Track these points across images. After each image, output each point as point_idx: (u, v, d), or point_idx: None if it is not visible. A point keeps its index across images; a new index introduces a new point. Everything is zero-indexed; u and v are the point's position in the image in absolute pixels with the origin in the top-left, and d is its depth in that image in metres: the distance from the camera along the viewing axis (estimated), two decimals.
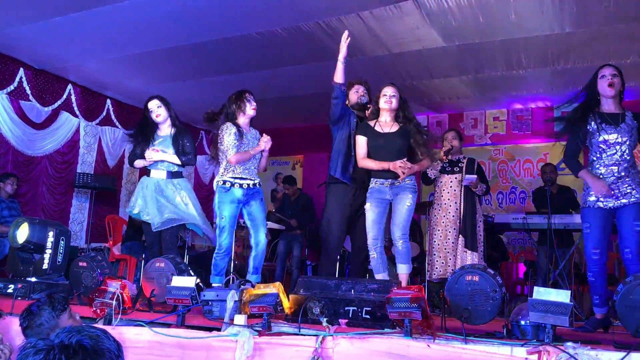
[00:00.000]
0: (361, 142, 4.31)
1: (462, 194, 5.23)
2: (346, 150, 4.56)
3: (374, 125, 4.29)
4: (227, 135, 4.30)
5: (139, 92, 7.95)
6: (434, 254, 5.18)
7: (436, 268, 5.13)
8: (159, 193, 4.65)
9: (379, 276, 4.18)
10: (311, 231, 8.02)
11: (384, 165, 4.16)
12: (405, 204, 4.11)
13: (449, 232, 5.18)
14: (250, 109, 4.45)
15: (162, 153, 4.68)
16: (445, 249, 5.16)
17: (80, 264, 4.21)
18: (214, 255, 4.39)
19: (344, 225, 4.59)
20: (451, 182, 5.29)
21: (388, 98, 4.24)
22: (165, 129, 4.77)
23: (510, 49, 6.20)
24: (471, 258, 5.06)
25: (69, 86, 7.66)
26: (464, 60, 6.60)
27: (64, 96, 7.59)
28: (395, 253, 4.19)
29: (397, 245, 4.15)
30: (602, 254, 3.61)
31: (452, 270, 4.98)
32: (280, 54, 6.52)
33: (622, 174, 3.58)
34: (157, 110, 4.71)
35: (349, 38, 4.37)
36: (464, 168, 5.31)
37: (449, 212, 5.21)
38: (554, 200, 5.71)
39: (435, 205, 5.31)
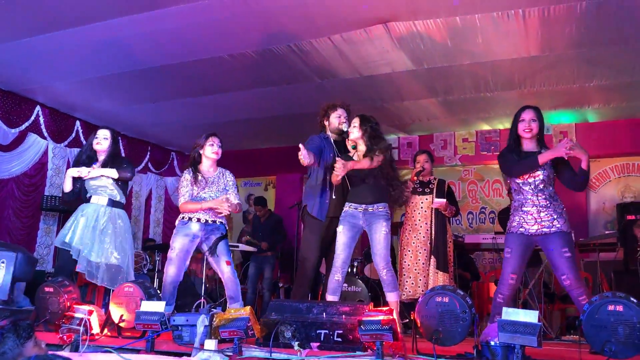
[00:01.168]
0: None
1: (432, 215, 5.28)
2: (322, 187, 4.61)
3: (353, 155, 4.37)
4: (181, 184, 4.51)
5: (109, 114, 7.91)
6: (404, 275, 5.21)
7: (406, 289, 5.16)
8: (95, 224, 4.48)
9: (332, 297, 4.17)
10: (283, 253, 8.01)
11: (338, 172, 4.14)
12: (381, 232, 4.12)
13: (420, 252, 5.22)
14: (210, 152, 4.53)
15: (99, 169, 4.58)
16: (415, 269, 5.20)
17: (47, 289, 4.12)
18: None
19: (320, 251, 4.64)
20: (422, 203, 5.35)
21: (351, 129, 4.35)
22: (100, 158, 4.70)
23: (478, 72, 6.33)
24: (442, 279, 5.11)
25: (37, 107, 7.54)
26: (433, 83, 6.70)
27: (32, 118, 7.47)
28: (382, 282, 4.19)
29: (382, 275, 4.15)
30: (517, 279, 3.78)
31: (423, 291, 5.02)
32: (252, 76, 6.54)
33: (544, 204, 3.74)
34: (103, 141, 4.66)
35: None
36: (434, 189, 5.38)
37: (420, 233, 5.26)
38: None
39: (406, 225, 5.36)
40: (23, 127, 7.37)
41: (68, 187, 4.62)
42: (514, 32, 5.29)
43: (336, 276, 4.18)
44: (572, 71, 6.20)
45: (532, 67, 6.12)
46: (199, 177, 4.49)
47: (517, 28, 5.21)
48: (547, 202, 3.74)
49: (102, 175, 4.58)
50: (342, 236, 4.20)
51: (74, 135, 8.13)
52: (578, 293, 3.57)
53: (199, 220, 4.42)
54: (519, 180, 3.82)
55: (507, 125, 8.35)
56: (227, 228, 4.59)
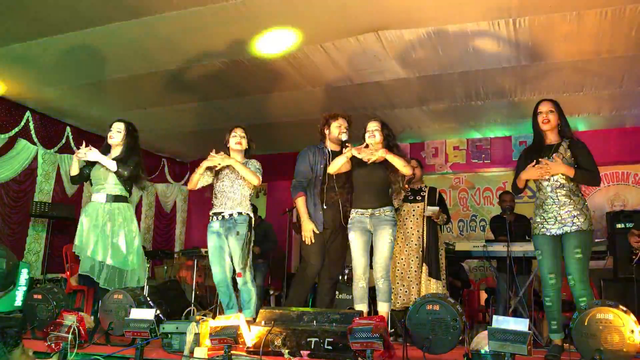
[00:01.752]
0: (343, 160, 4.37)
1: (424, 223, 5.29)
2: (314, 199, 4.63)
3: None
4: None
5: (99, 120, 7.86)
6: (397, 283, 5.21)
7: (399, 297, 5.16)
8: (96, 223, 4.43)
9: (361, 306, 4.16)
10: (274, 261, 7.98)
11: (347, 154, 4.23)
12: (386, 241, 4.12)
13: (412, 260, 5.22)
14: (234, 144, 4.55)
15: (97, 153, 4.44)
16: (408, 277, 5.20)
17: (35, 296, 4.09)
18: None
19: (322, 258, 4.64)
20: (413, 210, 5.35)
21: (371, 133, 4.32)
22: (115, 154, 4.61)
23: (469, 81, 6.36)
24: (435, 287, 5.11)
25: (27, 113, 7.50)
26: (424, 91, 6.73)
27: (22, 123, 7.43)
28: (377, 291, 4.19)
29: (378, 283, 4.15)
30: (557, 279, 3.77)
31: (416, 298, 5.02)
32: (244, 83, 6.54)
33: (564, 200, 3.76)
34: (116, 134, 4.59)
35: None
36: (425, 197, 5.39)
37: (412, 241, 5.26)
38: (511, 228, 5.82)
39: (397, 233, 5.35)
40: (13, 132, 7.33)
41: (74, 170, 4.57)
42: (505, 41, 5.32)
43: (360, 283, 4.17)
44: (562, 80, 6.24)
45: (522, 76, 6.16)
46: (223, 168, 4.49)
47: (507, 37, 5.25)
48: (567, 198, 3.76)
49: (97, 163, 4.49)
50: (356, 242, 4.21)
51: (64, 141, 8.08)
52: (579, 294, 3.60)
53: (217, 217, 4.40)
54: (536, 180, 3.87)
55: (498, 133, 8.45)
56: (250, 219, 4.46)
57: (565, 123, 3.93)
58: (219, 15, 4.99)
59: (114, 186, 4.53)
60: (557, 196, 3.78)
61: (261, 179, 4.52)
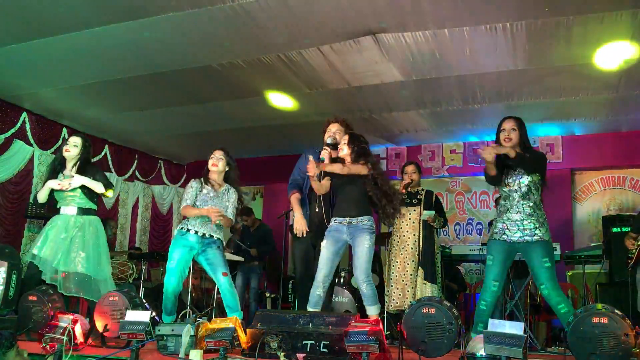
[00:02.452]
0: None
1: (420, 226, 5.30)
2: (303, 201, 4.66)
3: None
4: (186, 189, 4.53)
5: (96, 122, 7.88)
6: (392, 285, 5.21)
7: (393, 300, 5.17)
8: (65, 234, 4.46)
9: (313, 310, 4.16)
10: (270, 263, 7.97)
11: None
12: (364, 246, 4.07)
13: (407, 263, 5.23)
14: (210, 165, 4.56)
15: (80, 177, 4.50)
16: (403, 280, 5.20)
17: (30, 297, 4.08)
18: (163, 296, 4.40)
19: (303, 261, 4.65)
20: (410, 214, 5.35)
21: (341, 146, 4.32)
22: (70, 169, 4.63)
23: (466, 84, 6.37)
24: (431, 290, 5.11)
25: (24, 114, 7.48)
26: (421, 95, 6.74)
27: (18, 124, 7.41)
28: (362, 296, 4.17)
29: (361, 288, 4.12)
30: (500, 287, 3.85)
31: (411, 302, 5.02)
32: (241, 84, 6.54)
33: (527, 212, 3.83)
34: (72, 148, 4.62)
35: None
36: (422, 200, 5.39)
37: (408, 244, 5.27)
38: None
39: (394, 236, 5.36)
40: (9, 133, 7.31)
41: (44, 198, 4.58)
42: (502, 45, 5.33)
43: (317, 290, 4.11)
44: (558, 84, 6.26)
45: (519, 79, 6.17)
46: (204, 190, 4.50)
47: (504, 41, 5.26)
48: (532, 210, 3.83)
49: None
50: (325, 251, 4.16)
51: (60, 142, 8.05)
52: (556, 302, 3.66)
53: (196, 232, 4.41)
54: (505, 189, 3.93)
55: (495, 137, 8.44)
56: (223, 243, 4.59)
57: (527, 142, 3.97)
58: (216, 18, 4.99)
59: (82, 199, 4.58)
60: (522, 207, 3.84)
61: (234, 218, 4.60)
